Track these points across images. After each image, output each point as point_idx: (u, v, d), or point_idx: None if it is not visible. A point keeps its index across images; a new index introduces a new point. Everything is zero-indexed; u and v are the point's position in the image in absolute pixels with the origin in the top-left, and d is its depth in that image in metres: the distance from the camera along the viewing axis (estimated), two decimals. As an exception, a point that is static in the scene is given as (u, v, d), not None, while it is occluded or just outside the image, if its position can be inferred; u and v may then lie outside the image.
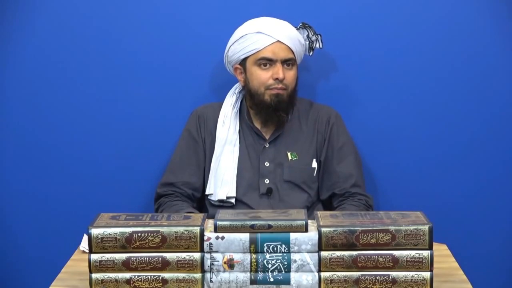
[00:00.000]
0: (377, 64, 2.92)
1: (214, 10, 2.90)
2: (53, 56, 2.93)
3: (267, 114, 2.69)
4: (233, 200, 2.67)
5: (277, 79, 2.64)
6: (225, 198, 2.66)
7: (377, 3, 2.89)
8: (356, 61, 2.92)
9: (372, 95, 2.93)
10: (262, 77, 2.66)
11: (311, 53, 2.80)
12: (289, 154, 2.72)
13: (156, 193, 2.75)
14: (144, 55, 2.93)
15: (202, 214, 1.99)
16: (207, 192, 2.70)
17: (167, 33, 2.92)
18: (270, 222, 1.89)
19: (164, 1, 2.91)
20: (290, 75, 2.67)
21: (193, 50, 2.92)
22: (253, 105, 2.72)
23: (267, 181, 2.69)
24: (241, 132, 2.74)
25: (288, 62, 2.67)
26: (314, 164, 2.73)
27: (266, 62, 2.66)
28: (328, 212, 2.03)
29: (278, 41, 2.66)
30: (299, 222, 1.89)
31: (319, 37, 2.79)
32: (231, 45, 2.72)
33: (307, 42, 2.79)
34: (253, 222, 1.89)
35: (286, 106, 2.68)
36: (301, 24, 2.79)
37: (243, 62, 2.70)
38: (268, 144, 2.73)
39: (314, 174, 2.72)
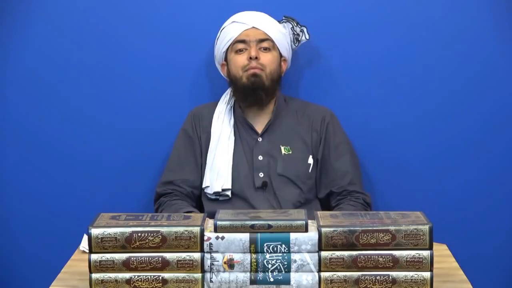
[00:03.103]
0: (373, 62, 2.92)
1: (212, 12, 2.90)
2: (52, 56, 2.93)
3: (246, 95, 2.70)
4: (229, 193, 2.67)
5: (250, 58, 2.66)
6: (220, 190, 2.66)
7: (375, 1, 2.90)
8: (352, 59, 2.92)
9: (368, 94, 2.94)
10: (238, 60, 2.69)
11: (297, 44, 2.80)
12: (282, 148, 2.73)
13: (155, 193, 2.76)
14: (142, 56, 2.93)
15: (202, 214, 1.99)
16: (203, 185, 2.71)
17: (165, 35, 2.92)
18: (270, 222, 1.89)
19: (162, 2, 2.91)
20: (267, 57, 2.70)
21: (192, 51, 2.93)
22: (236, 92, 2.73)
23: (261, 174, 2.69)
24: (235, 126, 2.75)
25: (264, 45, 2.70)
26: (310, 160, 2.73)
27: (241, 46, 2.70)
28: (328, 212, 2.03)
29: (253, 27, 2.70)
30: (299, 222, 1.89)
31: (305, 28, 2.79)
32: (215, 44, 2.78)
33: (292, 34, 2.80)
34: (253, 222, 1.89)
35: (265, 88, 2.69)
36: (284, 17, 2.80)
37: (226, 57, 2.74)
38: (261, 138, 2.73)
39: (309, 171, 2.72)
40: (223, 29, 2.75)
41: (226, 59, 2.75)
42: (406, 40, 2.91)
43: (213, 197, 2.69)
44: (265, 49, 2.70)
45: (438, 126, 2.94)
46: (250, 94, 2.69)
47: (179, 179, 2.73)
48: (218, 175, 2.68)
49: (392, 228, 1.88)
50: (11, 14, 2.91)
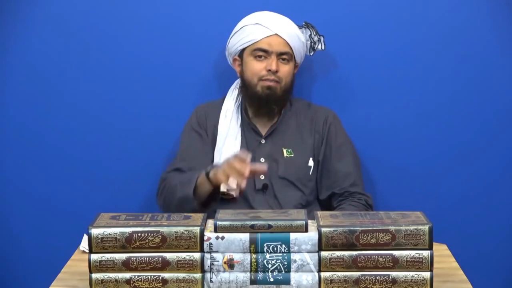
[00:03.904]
0: (374, 63, 2.92)
1: (216, 9, 2.90)
2: (53, 56, 2.93)
3: (259, 105, 2.69)
4: (233, 193, 2.66)
5: (270, 70, 2.65)
6: (225, 190, 2.64)
7: (378, 4, 2.89)
8: (356, 62, 2.92)
9: (371, 96, 2.94)
10: (255, 67, 2.67)
11: (312, 53, 2.80)
12: (284, 150, 2.72)
13: (160, 178, 2.70)
14: (145, 53, 2.93)
15: (202, 214, 1.99)
16: None
17: (168, 32, 2.92)
18: (270, 222, 1.89)
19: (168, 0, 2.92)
20: (285, 69, 2.68)
21: (195, 48, 2.92)
22: (246, 97, 2.72)
23: (262, 177, 2.69)
24: (240, 126, 2.74)
25: (284, 56, 2.68)
26: (311, 163, 2.72)
27: (261, 53, 2.67)
28: (328, 212, 2.03)
29: (276, 34, 2.67)
30: (299, 222, 1.89)
31: (322, 38, 2.79)
32: (231, 37, 2.75)
33: (309, 42, 2.79)
34: (253, 222, 1.89)
35: (278, 100, 2.68)
36: (304, 23, 2.80)
37: (241, 53, 2.72)
38: (264, 140, 2.73)
39: (310, 173, 2.72)
40: (244, 26, 2.70)
41: (240, 55, 2.73)
42: (406, 41, 2.91)
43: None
44: (284, 59, 2.68)
45: (438, 126, 2.94)
46: (263, 105, 2.68)
47: (187, 166, 2.67)
48: None
49: (392, 228, 1.88)
50: (11, 14, 2.91)
